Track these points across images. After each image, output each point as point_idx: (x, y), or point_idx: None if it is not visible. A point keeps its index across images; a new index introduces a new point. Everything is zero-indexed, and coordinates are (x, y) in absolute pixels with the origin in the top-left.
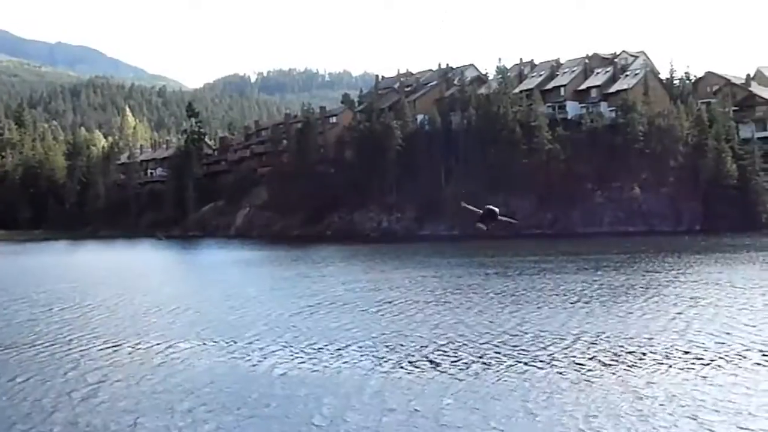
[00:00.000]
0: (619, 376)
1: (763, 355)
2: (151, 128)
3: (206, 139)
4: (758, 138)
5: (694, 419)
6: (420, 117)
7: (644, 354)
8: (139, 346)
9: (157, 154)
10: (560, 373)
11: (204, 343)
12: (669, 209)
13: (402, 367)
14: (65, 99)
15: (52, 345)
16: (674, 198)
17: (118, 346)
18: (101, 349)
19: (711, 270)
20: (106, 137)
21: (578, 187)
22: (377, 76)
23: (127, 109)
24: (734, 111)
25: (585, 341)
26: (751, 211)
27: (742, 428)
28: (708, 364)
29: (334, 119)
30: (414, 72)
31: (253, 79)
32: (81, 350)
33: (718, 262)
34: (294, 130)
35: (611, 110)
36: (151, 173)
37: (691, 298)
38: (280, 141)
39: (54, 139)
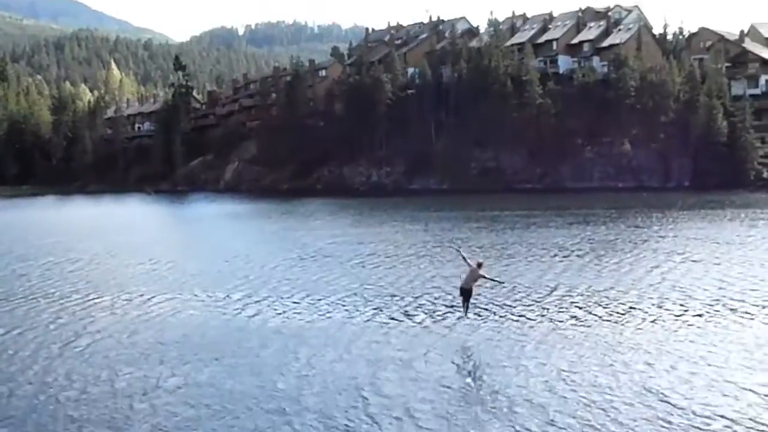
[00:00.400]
0: (604, 329)
1: (746, 309)
2: (137, 82)
3: (194, 93)
4: (750, 95)
5: (675, 370)
6: (410, 70)
7: (629, 308)
8: (125, 299)
9: (144, 108)
10: (545, 325)
11: (190, 296)
12: (658, 165)
13: (393, 318)
14: (49, 53)
15: (39, 298)
16: (664, 154)
17: (104, 298)
18: (88, 301)
19: (697, 226)
20: (91, 91)
21: (568, 142)
22: (367, 28)
23: (113, 63)
24: (727, 67)
25: (571, 295)
26: (740, 168)
27: (727, 380)
28: (692, 318)
29: (323, 72)
30: (404, 25)
31: (240, 32)
32: (67, 302)
33: (705, 218)
34: (283, 84)
35: (603, 65)
36: (139, 128)
37: (677, 253)
38: (268, 94)
39: (39, 93)
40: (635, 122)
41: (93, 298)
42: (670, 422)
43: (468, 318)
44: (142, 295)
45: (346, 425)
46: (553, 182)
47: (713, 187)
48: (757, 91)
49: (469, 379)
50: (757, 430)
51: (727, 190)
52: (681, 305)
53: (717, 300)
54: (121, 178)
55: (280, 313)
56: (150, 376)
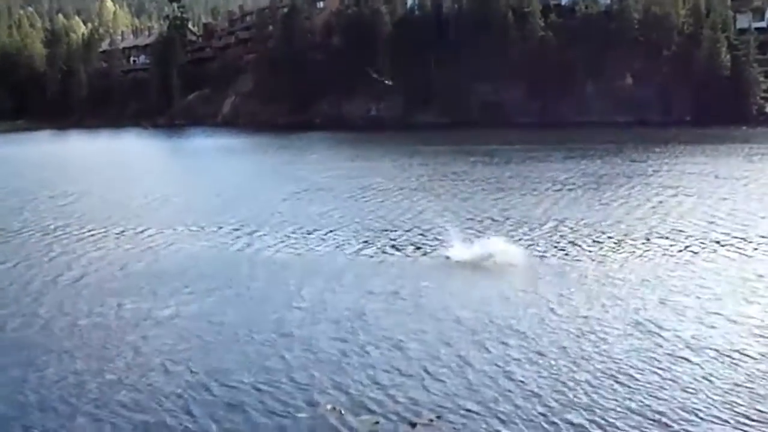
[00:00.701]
0: (592, 262)
1: (735, 243)
2: (131, 14)
3: (189, 26)
4: (755, 28)
5: (665, 304)
6: (410, 2)
7: (619, 241)
8: (117, 232)
9: (139, 41)
10: (534, 258)
11: (182, 228)
12: (660, 100)
13: (382, 251)
14: None
15: (32, 232)
16: (666, 88)
17: (96, 231)
18: (80, 235)
19: (693, 161)
20: (85, 24)
21: (569, 77)
22: None
23: None
24: (732, 0)
25: (564, 227)
26: (743, 102)
27: (715, 312)
28: (681, 252)
29: (321, 4)
30: None
31: None
32: (60, 236)
33: (702, 153)
34: (280, 16)
35: None
36: (134, 61)
37: (670, 187)
38: (266, 27)
39: (31, 26)
40: (637, 56)
41: (85, 232)
42: (658, 353)
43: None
44: (134, 229)
45: (334, 356)
46: (553, 117)
47: (714, 122)
48: (763, 24)
49: (458, 311)
50: (745, 360)
51: (729, 125)
52: (671, 239)
53: (706, 234)
54: (118, 112)
55: (270, 246)
56: (141, 308)
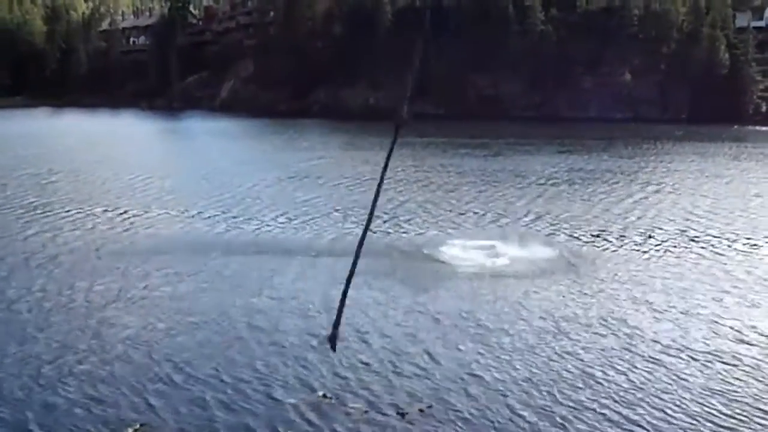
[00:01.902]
0: (571, 257)
1: (714, 241)
2: None
3: (190, 8)
4: (754, 27)
5: (644, 302)
6: None
7: (597, 237)
8: (104, 213)
9: (140, 22)
10: (513, 253)
11: (162, 211)
12: (657, 97)
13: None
14: None
15: (13, 208)
16: (663, 85)
17: (77, 210)
18: (61, 213)
19: (683, 159)
20: (86, 2)
21: (568, 71)
22: None
23: None
24: None
25: (543, 222)
26: (739, 101)
27: (693, 311)
28: (660, 249)
29: None
30: None
31: None
32: (40, 214)
33: (694, 151)
34: (281, 2)
35: None
36: (134, 41)
37: (654, 184)
38: (267, 12)
39: (32, 2)
40: (636, 52)
41: (66, 210)
42: (635, 349)
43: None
44: (114, 210)
45: (300, 346)
46: (549, 111)
47: (711, 119)
48: (762, 23)
49: (435, 303)
50: (722, 359)
51: (724, 124)
52: (650, 236)
53: (684, 231)
54: (116, 92)
55: (248, 232)
56: (110, 290)
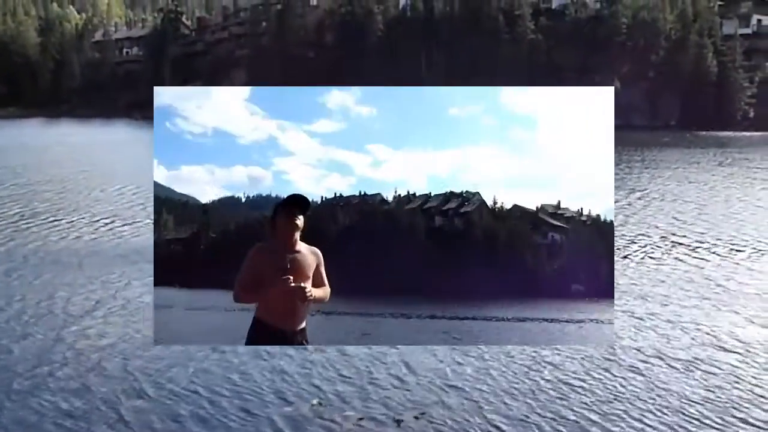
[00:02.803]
0: None
1: (696, 246)
2: (125, 5)
3: (183, 19)
4: (741, 34)
5: (624, 308)
6: (402, 2)
7: None
8: (95, 221)
9: (133, 33)
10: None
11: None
12: (646, 104)
13: None
14: None
15: (5, 221)
16: (652, 93)
17: (75, 219)
18: (58, 223)
19: (668, 165)
20: (79, 14)
21: (558, 80)
22: None
23: None
24: (719, 6)
25: None
26: (727, 107)
27: (676, 319)
28: (640, 251)
29: (314, 2)
30: None
31: None
32: (35, 224)
33: (681, 157)
34: (274, 12)
35: (596, 1)
36: (127, 52)
37: (637, 190)
38: (259, 23)
39: (26, 14)
40: (625, 60)
41: (50, 221)
42: (614, 357)
43: None
44: (101, 219)
45: (280, 353)
46: None
47: (700, 126)
48: (749, 31)
49: None
50: (702, 367)
51: (713, 130)
52: (632, 241)
53: (665, 237)
54: (110, 103)
55: None
56: (91, 298)
